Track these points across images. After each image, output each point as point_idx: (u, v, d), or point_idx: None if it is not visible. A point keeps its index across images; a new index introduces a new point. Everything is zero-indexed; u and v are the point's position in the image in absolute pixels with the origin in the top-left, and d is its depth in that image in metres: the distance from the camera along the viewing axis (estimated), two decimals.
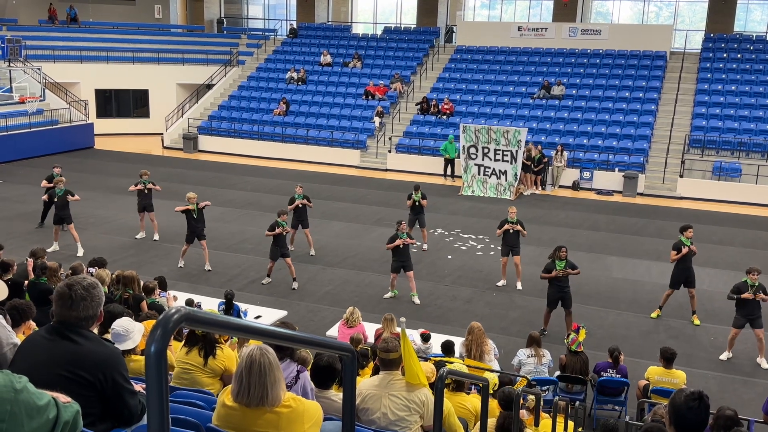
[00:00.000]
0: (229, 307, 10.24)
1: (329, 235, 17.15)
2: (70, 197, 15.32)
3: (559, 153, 23.40)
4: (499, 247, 14.66)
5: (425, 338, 9.80)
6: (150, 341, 1.77)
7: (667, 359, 9.08)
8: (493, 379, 7.80)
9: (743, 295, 10.95)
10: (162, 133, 30.00)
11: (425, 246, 16.21)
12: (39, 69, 28.12)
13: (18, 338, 5.23)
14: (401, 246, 12.95)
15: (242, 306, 11.01)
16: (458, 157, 23.50)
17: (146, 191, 16.10)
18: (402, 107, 28.22)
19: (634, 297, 13.89)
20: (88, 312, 3.02)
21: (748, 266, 11.45)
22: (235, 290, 11.18)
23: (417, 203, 15.88)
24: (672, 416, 3.30)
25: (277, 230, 13.47)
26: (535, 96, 26.87)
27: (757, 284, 10.97)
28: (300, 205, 15.29)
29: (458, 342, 9.58)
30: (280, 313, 11.57)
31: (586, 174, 23.48)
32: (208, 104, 31.02)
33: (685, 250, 12.43)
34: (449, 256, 16.02)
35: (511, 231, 13.83)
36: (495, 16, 34.42)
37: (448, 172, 24.36)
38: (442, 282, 14.42)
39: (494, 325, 12.09)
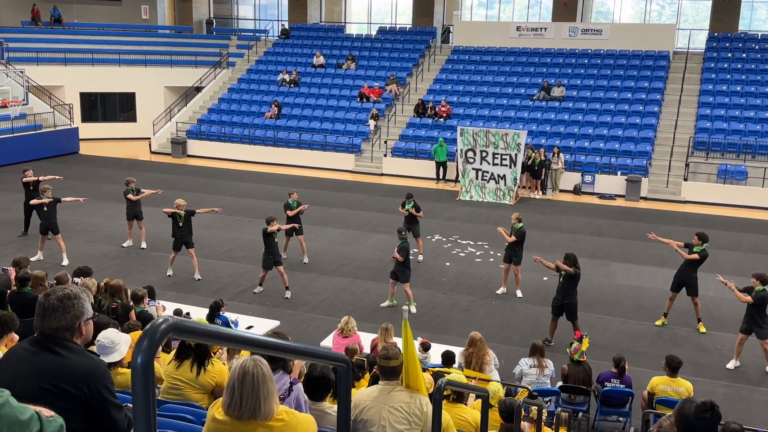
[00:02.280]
0: (211, 317, 9.84)
1: (323, 242, 16.82)
2: (68, 199, 15.47)
3: (556, 155, 22.90)
4: (499, 254, 14.40)
5: (425, 348, 9.74)
6: (136, 352, 1.78)
7: (673, 368, 8.90)
8: (498, 392, 7.48)
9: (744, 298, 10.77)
10: (149, 138, 29.51)
11: (420, 257, 15.71)
12: (22, 72, 27.57)
13: (0, 350, 5.12)
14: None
15: (233, 316, 10.89)
16: (453, 160, 23.06)
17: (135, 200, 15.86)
18: (398, 110, 27.76)
19: (638, 304, 13.68)
20: (60, 323, 2.95)
21: (753, 271, 11.20)
22: (226, 300, 10.87)
23: (408, 213, 15.41)
24: (680, 427, 3.22)
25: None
26: (534, 98, 26.41)
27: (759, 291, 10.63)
28: (300, 212, 15.05)
29: (457, 351, 9.43)
30: (273, 323, 11.45)
31: (588, 178, 23.05)
32: (197, 107, 30.52)
33: (665, 240, 12.82)
34: (447, 263, 15.73)
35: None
36: (493, 15, 34.15)
37: (441, 176, 23.98)
38: (440, 290, 14.19)
39: (495, 334, 11.89)
